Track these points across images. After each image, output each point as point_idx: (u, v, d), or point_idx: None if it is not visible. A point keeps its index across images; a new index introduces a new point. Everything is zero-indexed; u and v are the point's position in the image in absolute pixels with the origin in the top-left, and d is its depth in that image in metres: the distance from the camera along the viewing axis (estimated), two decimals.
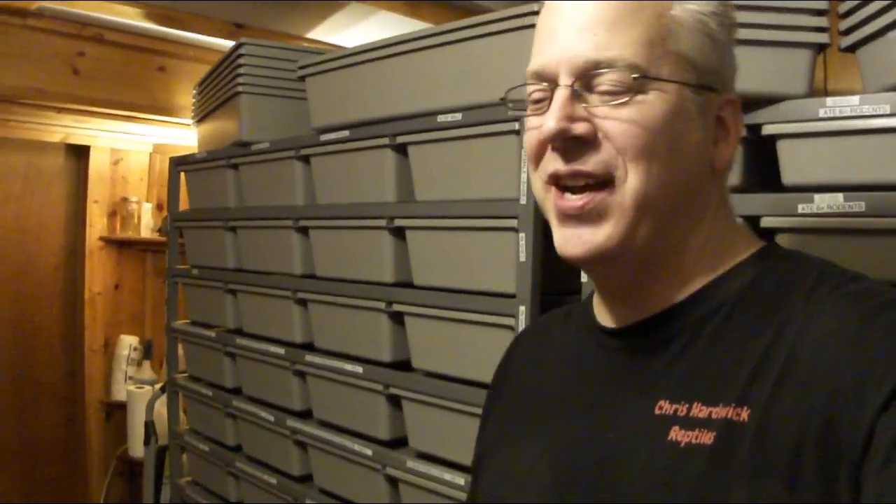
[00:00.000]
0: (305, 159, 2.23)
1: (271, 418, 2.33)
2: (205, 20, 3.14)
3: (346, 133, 2.05)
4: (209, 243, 2.77)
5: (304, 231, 2.25)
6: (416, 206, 1.87)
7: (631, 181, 0.84)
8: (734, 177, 1.24)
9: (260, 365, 2.42)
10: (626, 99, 0.83)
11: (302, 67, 2.21)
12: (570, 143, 0.86)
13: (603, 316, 0.99)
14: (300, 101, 2.34)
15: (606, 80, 0.84)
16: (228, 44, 2.66)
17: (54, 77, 3.19)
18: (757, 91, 1.26)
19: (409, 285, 1.90)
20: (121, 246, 4.50)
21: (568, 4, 0.88)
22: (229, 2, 2.95)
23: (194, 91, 2.95)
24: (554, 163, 0.88)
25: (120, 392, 4.31)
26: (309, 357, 2.18)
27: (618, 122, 0.84)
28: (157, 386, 3.56)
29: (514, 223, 1.60)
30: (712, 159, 0.90)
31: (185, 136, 4.01)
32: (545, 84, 0.89)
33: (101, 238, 4.41)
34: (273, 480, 2.33)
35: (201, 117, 2.91)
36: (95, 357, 4.43)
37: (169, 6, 3.01)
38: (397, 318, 1.92)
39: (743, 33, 1.11)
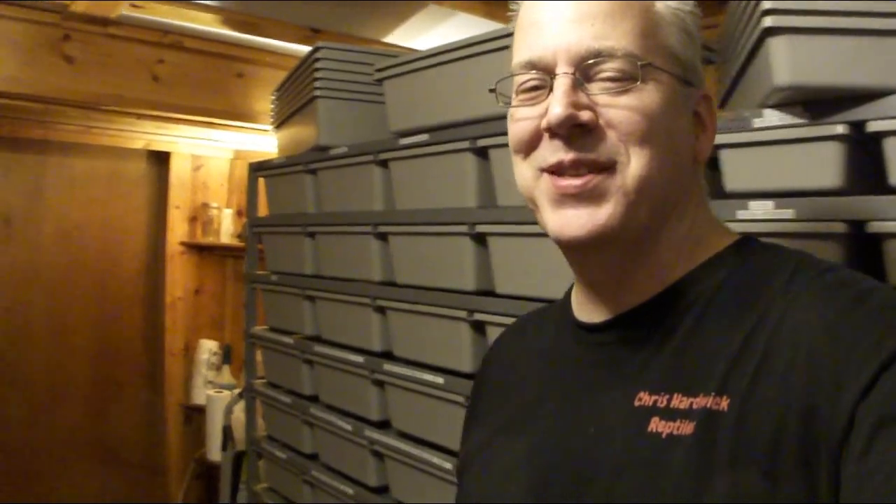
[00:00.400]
0: (384, 164, 2.19)
1: (349, 427, 2.29)
2: (282, 25, 3.14)
3: (425, 137, 2.01)
4: (288, 249, 2.75)
5: (382, 237, 2.21)
6: (499, 212, 1.81)
7: (634, 165, 0.86)
8: (834, 178, 1.19)
9: (338, 373, 2.39)
10: (628, 86, 0.85)
11: (379, 70, 2.18)
12: (573, 132, 0.86)
13: (581, 312, 1.01)
14: (378, 104, 2.31)
15: (608, 68, 0.85)
16: (306, 49, 2.65)
17: (135, 84, 3.21)
18: (862, 85, 1.17)
19: (491, 293, 1.84)
20: (201, 251, 4.54)
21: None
22: (306, 7, 2.93)
23: (273, 96, 2.95)
24: (555, 152, 0.88)
25: (199, 396, 4.35)
26: (388, 366, 2.14)
27: (620, 109, 0.85)
28: (236, 391, 3.57)
29: None
30: (694, 152, 0.94)
31: (265, 142, 4.02)
32: (540, 73, 0.89)
33: (182, 243, 4.46)
34: (349, 490, 2.29)
35: (280, 123, 2.90)
36: (175, 361, 4.48)
37: (246, 11, 3.01)
38: (479, 328, 1.86)
39: (841, 22, 1.11)
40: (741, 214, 1.26)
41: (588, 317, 0.99)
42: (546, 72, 0.88)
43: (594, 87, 0.86)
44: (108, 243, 4.40)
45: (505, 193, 1.81)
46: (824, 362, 0.75)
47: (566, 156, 0.86)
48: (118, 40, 3.21)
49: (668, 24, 0.89)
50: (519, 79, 0.92)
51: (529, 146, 0.91)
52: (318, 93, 2.38)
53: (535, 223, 1.62)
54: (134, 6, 2.93)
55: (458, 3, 2.86)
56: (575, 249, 0.94)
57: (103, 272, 4.39)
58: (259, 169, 2.98)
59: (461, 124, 1.91)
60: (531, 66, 0.90)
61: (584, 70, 0.86)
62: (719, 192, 1.31)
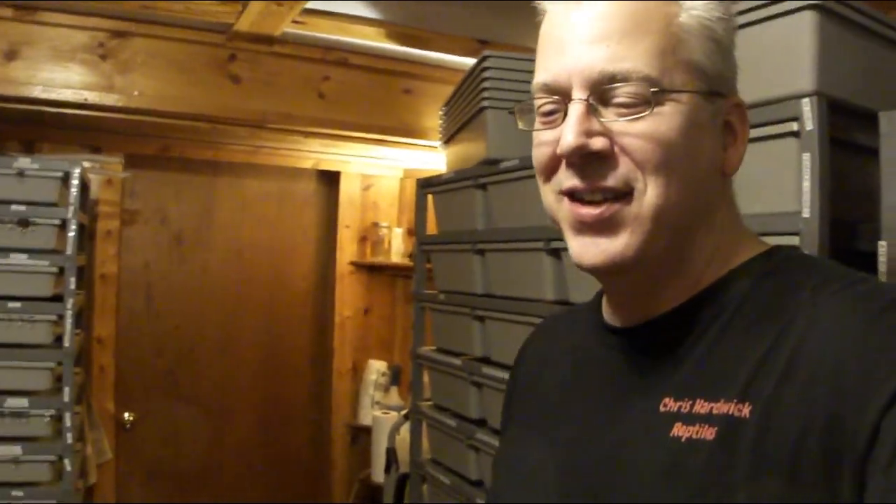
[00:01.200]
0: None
1: None
2: (447, 38, 3.09)
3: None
4: (456, 267, 2.68)
5: (555, 253, 2.09)
6: None
7: (650, 194, 0.84)
8: None
9: None
10: (644, 113, 0.83)
11: None
12: (587, 159, 0.85)
13: (610, 316, 1.01)
14: None
15: (622, 93, 0.83)
16: (473, 62, 2.58)
17: (301, 102, 3.22)
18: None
19: None
20: (371, 271, 4.54)
21: (575, 14, 0.87)
22: (472, 18, 2.87)
23: (441, 112, 2.89)
24: (570, 179, 0.87)
25: (366, 417, 4.33)
26: None
27: (635, 136, 0.83)
28: (402, 413, 3.52)
29: (795, 240, 1.37)
30: (722, 165, 0.91)
31: (435, 160, 3.98)
32: (556, 97, 0.87)
33: (352, 263, 4.47)
34: None
35: (448, 138, 2.84)
36: (343, 380, 4.48)
37: (410, 24, 2.96)
38: None
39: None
40: None
41: (616, 321, 0.99)
42: (562, 95, 0.86)
43: (610, 113, 0.84)
44: (278, 262, 4.45)
45: None
46: (850, 373, 0.74)
47: (580, 184, 0.86)
48: (283, 58, 3.24)
49: (693, 35, 0.86)
50: (537, 102, 0.91)
51: (549, 170, 0.91)
52: (486, 104, 2.31)
53: None
54: (297, 23, 2.93)
55: None
56: (595, 275, 0.94)
57: (272, 291, 4.44)
58: (427, 185, 2.92)
59: None
60: (547, 89, 0.88)
61: (599, 94, 0.84)
62: None
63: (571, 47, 0.86)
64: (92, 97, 3.10)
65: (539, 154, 0.91)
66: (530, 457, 1.02)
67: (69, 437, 2.98)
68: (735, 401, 0.80)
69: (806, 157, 1.35)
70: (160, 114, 3.24)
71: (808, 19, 1.39)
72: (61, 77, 3.07)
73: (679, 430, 0.82)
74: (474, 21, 2.92)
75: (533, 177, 2.08)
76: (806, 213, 1.36)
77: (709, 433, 0.80)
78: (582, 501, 0.90)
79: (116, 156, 3.72)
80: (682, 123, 0.84)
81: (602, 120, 0.84)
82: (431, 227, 2.99)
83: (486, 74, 2.31)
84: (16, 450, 2.91)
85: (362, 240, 4.52)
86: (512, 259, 2.31)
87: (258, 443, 4.40)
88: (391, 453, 3.34)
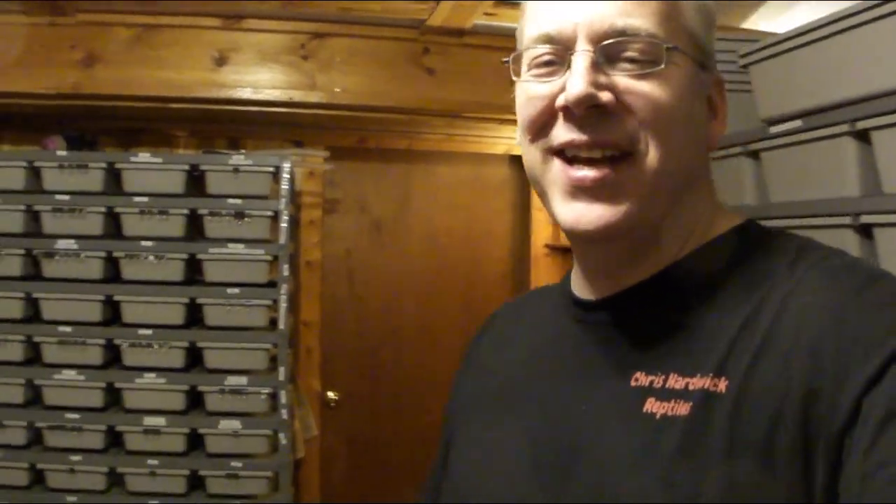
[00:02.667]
0: (754, 154, 2.06)
1: None
2: None
3: (798, 123, 1.85)
4: None
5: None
6: (885, 200, 1.63)
7: (652, 155, 0.82)
8: None
9: None
10: (650, 70, 0.81)
11: (745, 56, 2.05)
12: (590, 112, 0.81)
13: (580, 289, 0.98)
14: (743, 93, 2.16)
15: (631, 48, 0.81)
16: None
17: (493, 90, 3.29)
18: None
19: None
20: (565, 253, 4.55)
21: None
22: None
23: None
24: (569, 133, 0.83)
25: None
26: None
27: (640, 95, 0.81)
28: None
29: None
30: (707, 138, 0.90)
31: None
32: (557, 47, 0.84)
33: (547, 245, 4.51)
34: None
35: None
36: None
37: None
38: None
39: None
40: None
41: (585, 294, 0.97)
42: (564, 47, 0.83)
43: (614, 69, 0.82)
44: (473, 247, 4.54)
45: (891, 179, 1.62)
46: (828, 347, 0.72)
47: (580, 136, 0.82)
48: (475, 49, 3.32)
49: (690, 7, 0.86)
50: (531, 52, 0.86)
51: (539, 127, 0.86)
52: None
53: None
54: (488, 15, 3.00)
55: None
56: (585, 241, 0.92)
57: (468, 274, 4.53)
58: None
59: (838, 106, 1.74)
60: (548, 39, 0.84)
61: (605, 49, 0.82)
62: None
63: (577, 1, 0.83)
64: (296, 96, 3.30)
65: (530, 108, 0.87)
66: (498, 437, 0.97)
67: (284, 413, 3.19)
68: (711, 375, 0.78)
69: None
70: (360, 108, 3.40)
71: None
72: (266, 78, 3.29)
73: (652, 406, 0.80)
74: None
75: (729, 156, 2.09)
76: None
77: (683, 409, 0.78)
78: (552, 479, 0.86)
79: (320, 149, 3.91)
80: (682, 87, 0.83)
81: (607, 75, 0.81)
82: None
83: None
84: (235, 424, 3.14)
85: (556, 223, 4.52)
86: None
87: None
88: None
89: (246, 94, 3.27)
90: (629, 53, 0.82)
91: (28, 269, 3.20)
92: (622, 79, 0.82)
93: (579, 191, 0.84)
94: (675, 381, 0.80)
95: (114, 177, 3.20)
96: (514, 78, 0.91)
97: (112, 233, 3.20)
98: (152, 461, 3.09)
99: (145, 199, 3.14)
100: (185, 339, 3.15)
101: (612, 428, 0.83)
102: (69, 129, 3.55)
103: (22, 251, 3.16)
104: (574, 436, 0.87)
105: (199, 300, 3.17)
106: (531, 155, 0.90)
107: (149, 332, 3.13)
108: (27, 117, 3.56)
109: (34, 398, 3.18)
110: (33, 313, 3.20)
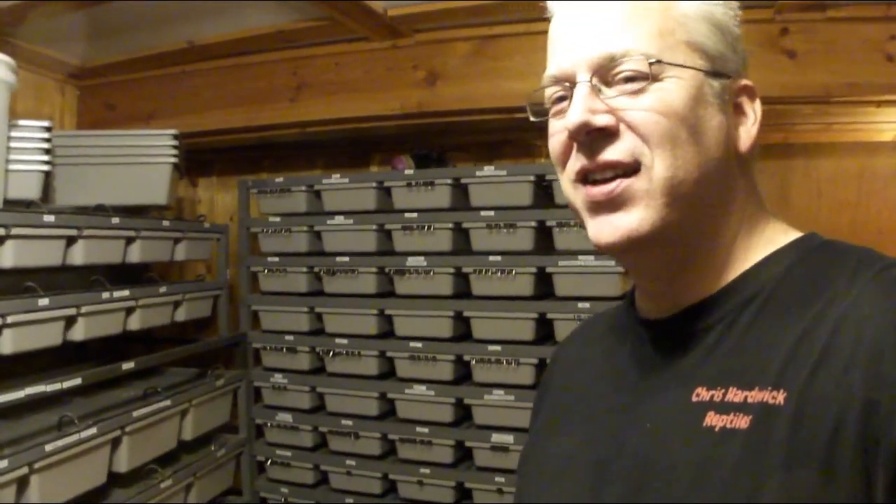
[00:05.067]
0: None
1: None
2: None
3: None
4: None
5: None
6: None
7: (658, 167, 0.85)
8: None
9: None
10: (644, 85, 0.85)
11: None
12: (594, 136, 0.87)
13: (643, 308, 1.01)
14: None
15: (623, 69, 0.86)
16: None
17: (864, 68, 2.85)
18: None
19: None
20: None
21: (577, 8, 0.91)
22: None
23: None
24: (579, 160, 0.89)
25: None
26: None
27: (638, 110, 0.85)
28: None
29: None
30: (735, 144, 0.92)
31: None
32: (565, 85, 0.90)
33: None
34: None
35: None
36: None
37: None
38: None
39: None
40: None
41: (648, 313, 0.99)
42: (569, 83, 0.89)
43: (613, 91, 0.87)
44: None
45: None
46: (888, 360, 0.73)
47: (589, 163, 0.88)
48: (839, 23, 2.88)
49: (692, 19, 0.89)
50: (549, 91, 0.93)
51: (564, 157, 0.92)
52: None
53: None
54: None
55: None
56: (617, 254, 0.94)
57: None
58: None
59: None
60: (554, 80, 0.91)
61: (602, 75, 0.87)
62: None
63: (575, 38, 0.90)
64: None
65: (554, 143, 0.93)
66: (562, 450, 1.01)
67: None
68: (769, 388, 0.79)
69: None
70: None
71: None
72: None
73: (712, 420, 0.82)
74: None
75: None
76: None
77: (742, 422, 0.79)
78: (617, 495, 0.89)
79: None
80: (684, 97, 0.86)
81: (606, 97, 0.87)
82: None
83: None
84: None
85: None
86: None
87: None
88: None
89: None
90: (624, 74, 0.86)
91: (382, 287, 3.31)
92: (620, 99, 0.87)
93: (597, 207, 0.89)
94: (734, 395, 0.82)
95: (462, 192, 3.21)
96: (532, 119, 0.99)
97: (461, 248, 3.21)
98: (499, 478, 3.05)
99: (491, 212, 3.11)
100: (535, 356, 3.04)
101: (675, 443, 0.85)
102: (416, 147, 3.65)
103: (375, 269, 3.28)
104: (639, 452, 0.89)
105: (550, 315, 3.06)
106: (564, 184, 0.95)
107: (498, 348, 3.08)
108: (378, 139, 3.72)
109: (389, 410, 3.29)
110: (388, 329, 3.31)
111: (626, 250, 0.90)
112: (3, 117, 2.58)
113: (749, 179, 0.96)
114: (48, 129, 2.78)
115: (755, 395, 0.80)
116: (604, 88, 0.87)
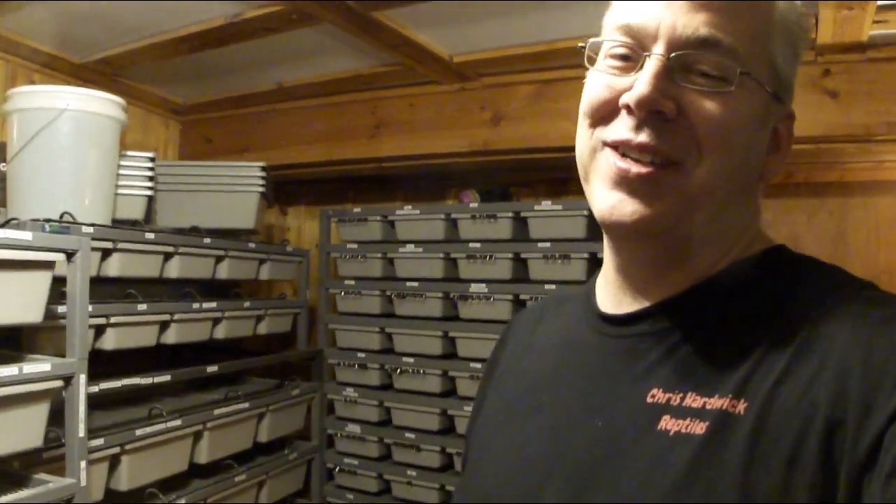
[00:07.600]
0: None
1: None
2: None
3: None
4: None
5: None
6: None
7: (701, 170, 0.82)
8: None
9: None
10: (720, 89, 0.80)
11: None
12: (650, 116, 0.81)
13: (605, 302, 0.98)
14: None
15: (707, 61, 0.80)
16: None
17: None
18: None
19: None
20: None
21: None
22: None
23: None
24: (626, 131, 0.83)
25: None
26: None
27: (703, 111, 0.80)
28: None
29: None
30: (763, 169, 0.89)
31: None
32: (633, 43, 0.84)
33: None
34: None
35: None
36: None
37: None
38: None
39: None
40: None
41: (611, 307, 0.97)
42: (641, 44, 0.83)
43: (685, 80, 0.81)
44: None
45: None
46: (854, 378, 0.72)
47: (636, 137, 0.82)
48: (879, 63, 3.01)
49: (779, 34, 0.84)
50: (609, 42, 0.87)
51: (600, 117, 0.87)
52: None
53: None
54: (879, 23, 2.74)
55: None
56: (618, 234, 0.91)
57: None
58: None
59: None
60: (628, 31, 0.84)
61: (679, 58, 0.81)
62: None
63: None
64: None
65: (595, 95, 0.87)
66: (512, 444, 0.97)
67: None
68: (730, 396, 0.77)
69: None
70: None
71: None
72: None
73: (667, 424, 0.79)
74: None
75: None
76: None
77: (699, 428, 0.77)
78: (561, 491, 0.86)
79: None
80: (748, 114, 0.82)
81: (678, 83, 0.81)
82: None
83: None
84: None
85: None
86: None
87: None
88: None
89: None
90: (703, 67, 0.81)
91: (447, 311, 3.56)
92: (690, 92, 0.81)
93: (621, 181, 0.84)
94: (693, 400, 0.80)
95: (522, 224, 3.44)
96: (588, 65, 0.90)
97: (520, 276, 3.43)
98: None
99: (548, 244, 3.33)
100: None
101: (625, 444, 0.83)
102: (483, 182, 3.89)
103: (441, 294, 3.54)
104: (588, 450, 0.86)
105: None
106: (584, 140, 0.90)
107: None
108: (450, 174, 3.98)
109: (449, 426, 3.53)
110: (451, 350, 3.56)
111: (633, 234, 0.86)
112: (115, 149, 2.98)
113: (756, 198, 0.93)
114: (152, 160, 3.23)
115: (714, 402, 0.77)
116: (675, 72, 0.81)
